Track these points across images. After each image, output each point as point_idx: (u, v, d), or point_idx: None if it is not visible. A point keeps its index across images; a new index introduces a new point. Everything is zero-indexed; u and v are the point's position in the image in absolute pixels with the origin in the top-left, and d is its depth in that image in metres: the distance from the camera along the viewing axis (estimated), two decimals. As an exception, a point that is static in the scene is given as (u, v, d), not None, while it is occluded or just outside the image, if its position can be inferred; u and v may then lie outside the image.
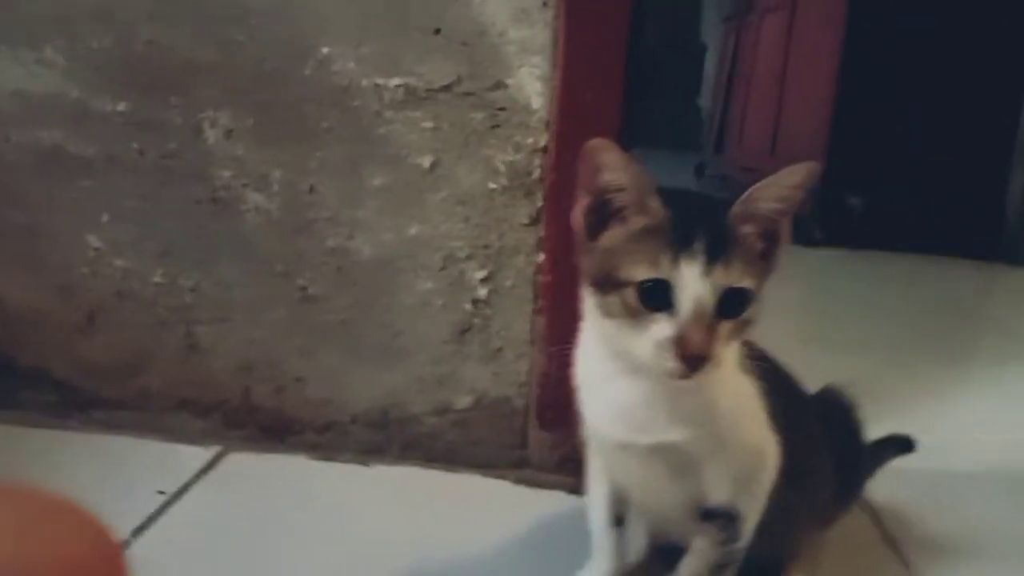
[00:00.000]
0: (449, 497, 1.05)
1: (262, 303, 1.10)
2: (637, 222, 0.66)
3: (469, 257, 1.07)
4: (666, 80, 4.96)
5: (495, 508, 1.03)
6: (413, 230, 1.07)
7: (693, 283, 0.62)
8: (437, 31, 1.02)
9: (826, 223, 3.03)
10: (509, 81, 1.03)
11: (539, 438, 1.11)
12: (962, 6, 2.81)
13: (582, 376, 0.76)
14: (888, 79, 2.89)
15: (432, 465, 1.10)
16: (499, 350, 1.10)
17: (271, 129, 1.07)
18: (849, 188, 3.03)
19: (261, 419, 1.13)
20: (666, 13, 5.24)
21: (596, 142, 0.65)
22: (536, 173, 1.05)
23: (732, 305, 0.64)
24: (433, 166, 1.05)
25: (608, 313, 0.66)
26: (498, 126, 1.04)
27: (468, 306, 1.09)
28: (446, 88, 1.03)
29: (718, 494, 0.75)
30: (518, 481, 1.09)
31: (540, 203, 1.05)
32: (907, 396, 1.48)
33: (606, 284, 0.66)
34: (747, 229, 0.66)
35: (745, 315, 0.65)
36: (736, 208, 0.66)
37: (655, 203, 0.65)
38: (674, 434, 0.71)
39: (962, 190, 2.95)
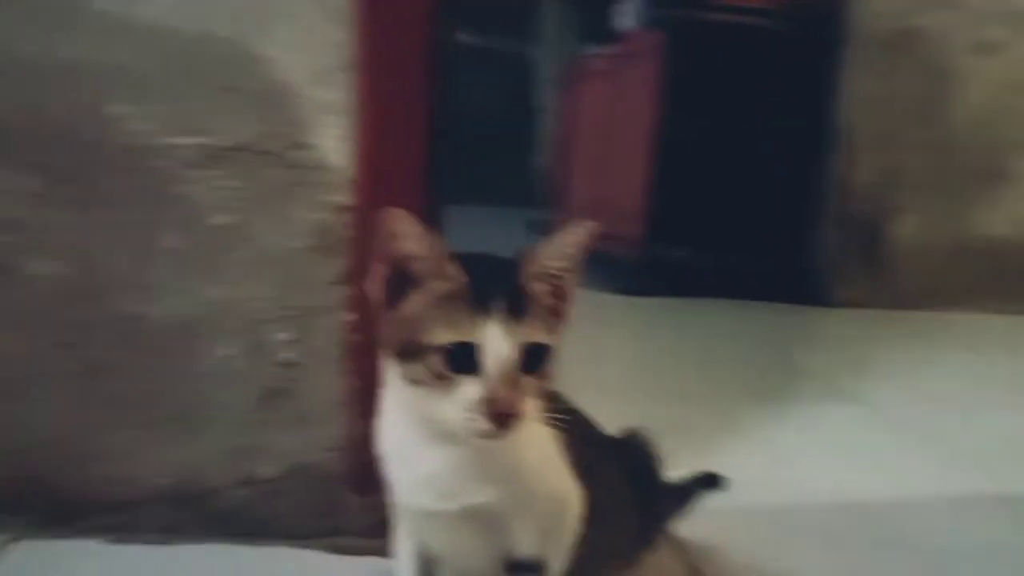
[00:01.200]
0: (258, 573, 1.00)
1: (46, 376, 1.02)
2: (436, 288, 0.67)
3: (274, 319, 1.04)
4: (500, 141, 5.10)
5: (307, 580, 0.99)
6: (212, 292, 1.03)
7: (496, 343, 0.64)
8: (234, 89, 1.00)
9: (654, 273, 3.17)
10: (310, 140, 1.02)
11: (353, 503, 1.07)
12: (768, 71, 3.04)
13: (386, 444, 0.77)
14: (706, 136, 3.08)
15: (239, 540, 1.04)
16: (308, 414, 1.06)
17: (57, 190, 1.00)
18: (674, 240, 3.18)
19: (48, 502, 1.04)
20: (498, 77, 5.42)
21: (390, 212, 0.67)
22: (340, 231, 1.03)
23: (533, 360, 0.66)
24: (233, 226, 1.02)
25: (413, 380, 0.67)
26: (300, 184, 1.02)
27: (274, 370, 1.05)
28: (244, 147, 1.01)
29: (526, 546, 0.77)
30: (333, 550, 1.05)
31: (346, 261, 1.04)
32: (719, 436, 1.55)
33: (409, 352, 0.67)
34: (538, 287, 0.69)
35: (545, 369, 0.68)
36: (526, 268, 0.69)
37: (452, 268, 0.67)
38: (482, 495, 0.72)
39: (777, 239, 3.16)
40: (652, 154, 3.11)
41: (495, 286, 0.66)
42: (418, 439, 0.71)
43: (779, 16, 3.05)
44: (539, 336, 0.66)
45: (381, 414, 0.77)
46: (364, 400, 1.03)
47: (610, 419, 0.94)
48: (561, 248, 0.70)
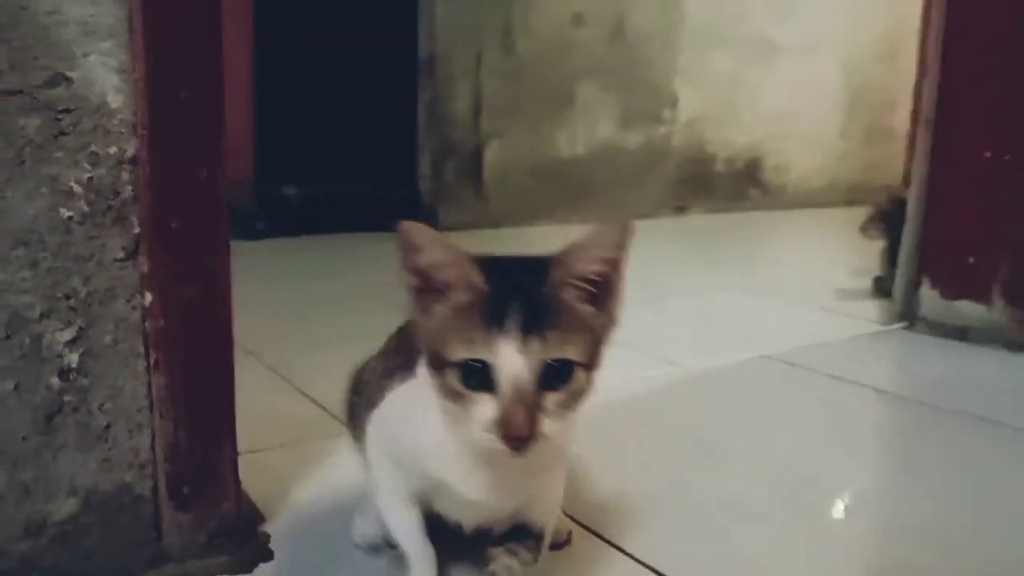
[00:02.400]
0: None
1: None
2: (458, 299, 0.64)
3: (45, 315, 0.79)
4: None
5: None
6: (-48, 290, 0.74)
7: (510, 362, 0.61)
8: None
9: (267, 215, 3.01)
10: (71, 74, 0.77)
11: (177, 522, 0.88)
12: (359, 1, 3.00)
13: (417, 444, 0.73)
14: (305, 73, 2.97)
15: (35, 607, 0.80)
16: (106, 429, 0.83)
17: None
18: (283, 178, 3.05)
19: None
20: None
21: (406, 225, 0.63)
22: (127, 191, 0.81)
23: (555, 377, 0.62)
24: (-32, 196, 0.74)
25: (443, 394, 0.65)
26: (64, 133, 0.77)
27: (54, 381, 0.80)
28: (-24, 85, 0.73)
29: (534, 517, 0.82)
30: (161, 584, 0.86)
31: (137, 229, 0.82)
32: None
33: (437, 363, 0.64)
34: (569, 294, 0.64)
35: (571, 385, 0.63)
36: (554, 274, 0.64)
37: (475, 277, 0.64)
38: (517, 500, 0.76)
39: (383, 172, 3.19)
40: (251, 93, 2.91)
41: (514, 298, 0.62)
42: (459, 446, 0.69)
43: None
44: (561, 351, 0.62)
45: (412, 414, 0.72)
46: (176, 399, 0.85)
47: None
48: (597, 248, 0.64)
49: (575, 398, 0.64)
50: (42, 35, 0.75)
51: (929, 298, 1.84)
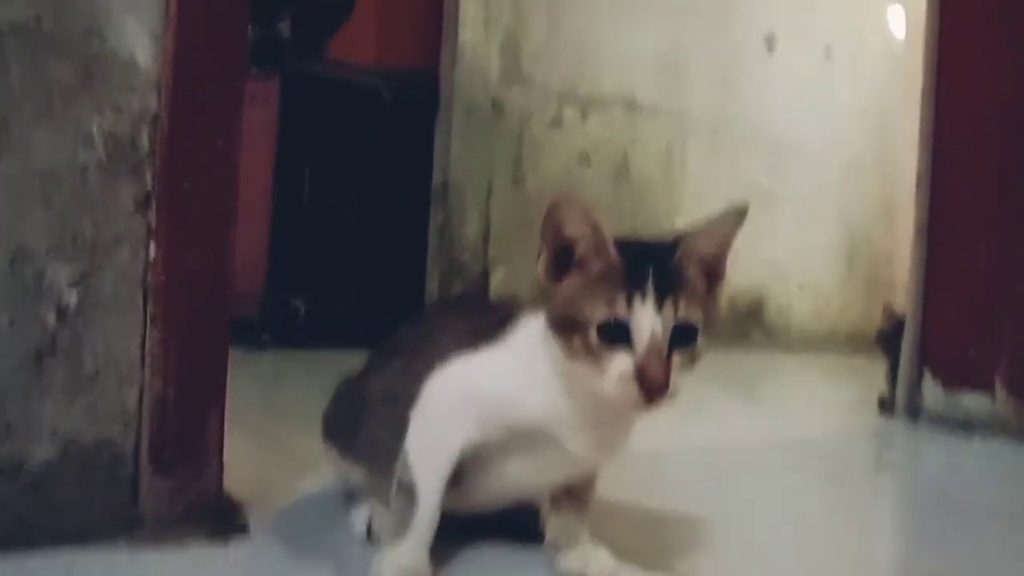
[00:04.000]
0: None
1: None
2: (595, 268, 0.72)
3: (50, 252, 0.80)
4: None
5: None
6: (-36, 212, 0.76)
7: (647, 320, 0.68)
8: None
9: (273, 327, 3.04)
10: (107, 31, 0.83)
11: (156, 487, 0.85)
12: (378, 128, 3.18)
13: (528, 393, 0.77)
14: (322, 195, 3.10)
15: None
16: (95, 377, 0.83)
17: None
18: (292, 291, 3.10)
19: None
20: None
21: (559, 197, 0.72)
22: (144, 146, 0.85)
23: (683, 338, 0.70)
24: (-5, 128, 0.78)
25: (571, 354, 0.71)
26: (92, 83, 0.82)
27: (50, 319, 0.81)
28: (19, 28, 0.79)
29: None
30: (133, 548, 0.82)
31: (150, 184, 0.85)
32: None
33: (568, 327, 0.71)
34: (691, 269, 0.73)
35: (695, 346, 0.71)
36: (680, 252, 0.72)
37: (611, 250, 0.72)
38: (613, 455, 0.80)
39: (390, 289, 3.25)
40: (269, 205, 3.03)
41: (649, 267, 0.70)
42: (573, 407, 0.75)
43: (388, 77, 3.24)
44: (688, 315, 0.70)
45: (522, 378, 0.77)
46: (169, 357, 0.85)
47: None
48: (714, 233, 0.74)
49: (694, 359, 0.71)
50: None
51: (932, 391, 1.83)
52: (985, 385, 1.75)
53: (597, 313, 0.69)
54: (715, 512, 1.10)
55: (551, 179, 3.48)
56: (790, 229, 4.16)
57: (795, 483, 1.37)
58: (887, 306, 2.60)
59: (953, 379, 1.80)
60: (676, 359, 0.70)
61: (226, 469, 0.91)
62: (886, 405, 2.19)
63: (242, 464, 0.98)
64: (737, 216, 0.74)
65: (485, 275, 3.39)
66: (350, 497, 0.96)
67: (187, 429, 0.87)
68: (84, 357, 0.82)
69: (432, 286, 3.30)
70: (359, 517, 0.91)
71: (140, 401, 0.85)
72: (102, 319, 0.83)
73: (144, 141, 0.85)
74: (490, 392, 0.77)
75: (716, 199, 3.92)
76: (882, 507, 1.33)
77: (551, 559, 0.84)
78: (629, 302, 0.69)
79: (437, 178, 3.29)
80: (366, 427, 0.90)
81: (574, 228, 0.72)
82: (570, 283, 0.73)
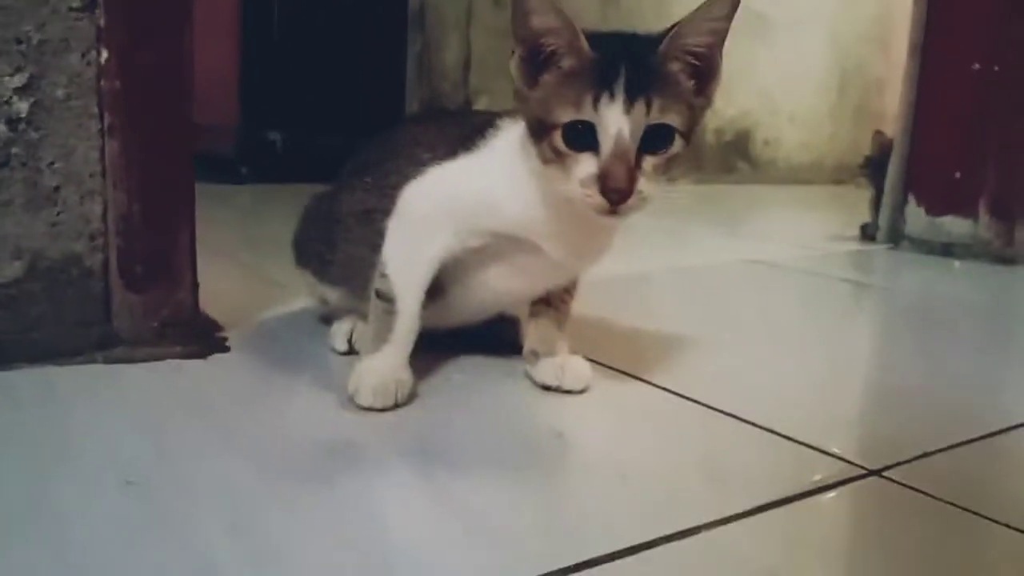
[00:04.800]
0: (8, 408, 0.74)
1: None
2: (566, 66, 0.67)
3: (-6, 56, 0.75)
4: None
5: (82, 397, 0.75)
6: None
7: (614, 122, 0.64)
8: None
9: (251, 161, 2.98)
10: None
11: (128, 304, 0.84)
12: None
13: (504, 215, 0.75)
14: (292, 22, 2.95)
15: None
16: (55, 191, 0.80)
17: None
18: (268, 125, 3.01)
19: None
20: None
21: None
22: (87, -62, 0.78)
23: (656, 141, 0.66)
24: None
25: (544, 159, 0.68)
26: None
27: (1, 129, 0.76)
28: None
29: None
30: (111, 364, 0.82)
31: (97, -19, 0.79)
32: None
33: (540, 130, 0.68)
34: (675, 66, 0.68)
35: (670, 150, 0.66)
36: (663, 46, 0.67)
37: (583, 45, 0.66)
38: (590, 262, 0.80)
39: (369, 120, 3.16)
40: (238, 37, 2.89)
41: (621, 65, 0.64)
42: (551, 212, 0.73)
43: None
44: (663, 116, 0.65)
45: (500, 184, 0.74)
46: (130, 169, 0.81)
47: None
48: (704, 23, 0.67)
49: (671, 164, 0.67)
50: None
51: (915, 216, 1.82)
52: (969, 209, 1.74)
53: (564, 115, 0.66)
54: (693, 329, 1.11)
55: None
56: (781, 56, 4.04)
57: (773, 302, 1.38)
58: (877, 132, 2.55)
59: (937, 204, 1.79)
60: (648, 163, 0.66)
61: (204, 293, 0.90)
62: (868, 231, 2.20)
63: (221, 289, 0.97)
64: (730, 4, 0.66)
65: (467, 104, 3.29)
66: (328, 318, 0.96)
67: (156, 244, 0.85)
68: (42, 169, 0.79)
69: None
70: (339, 332, 0.91)
71: (104, 215, 0.82)
72: (57, 128, 0.79)
73: (85, -68, 0.78)
74: (468, 198, 0.75)
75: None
76: (860, 322, 1.35)
77: (529, 368, 0.84)
78: (596, 102, 0.64)
79: (414, 1, 3.13)
80: (342, 246, 0.88)
81: (542, 20, 0.67)
82: (543, 83, 0.69)
